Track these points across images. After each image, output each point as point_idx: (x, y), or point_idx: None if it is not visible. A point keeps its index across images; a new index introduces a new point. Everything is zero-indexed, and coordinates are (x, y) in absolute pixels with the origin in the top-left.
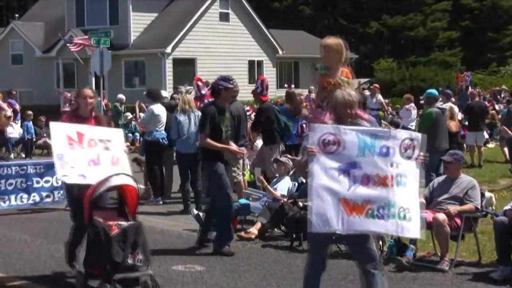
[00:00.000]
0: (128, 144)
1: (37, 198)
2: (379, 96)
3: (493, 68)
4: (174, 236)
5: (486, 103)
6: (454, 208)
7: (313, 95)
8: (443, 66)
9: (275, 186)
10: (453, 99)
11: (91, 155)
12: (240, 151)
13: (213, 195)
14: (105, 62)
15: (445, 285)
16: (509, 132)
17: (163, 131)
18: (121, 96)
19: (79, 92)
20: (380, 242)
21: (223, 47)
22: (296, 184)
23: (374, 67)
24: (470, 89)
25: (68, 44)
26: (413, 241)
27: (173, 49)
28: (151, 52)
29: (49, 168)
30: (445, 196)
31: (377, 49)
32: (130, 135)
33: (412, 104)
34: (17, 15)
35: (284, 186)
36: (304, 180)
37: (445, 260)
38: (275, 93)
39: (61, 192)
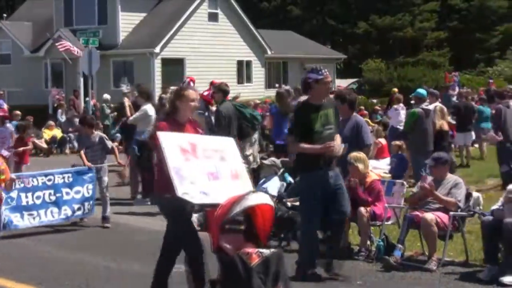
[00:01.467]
0: (117, 144)
1: (69, 212)
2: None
3: (481, 69)
4: (162, 237)
5: (473, 103)
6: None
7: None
8: (431, 67)
9: (264, 186)
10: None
11: (208, 167)
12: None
13: (300, 212)
14: (93, 62)
15: (432, 285)
16: (497, 137)
17: None
18: (106, 96)
19: (180, 93)
20: (369, 242)
21: (211, 47)
22: (285, 184)
23: (363, 68)
24: (457, 89)
25: (56, 44)
26: (401, 240)
27: (161, 49)
28: (140, 52)
29: (78, 177)
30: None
31: (365, 50)
32: (118, 135)
33: (401, 105)
34: (5, 15)
35: (273, 187)
36: (292, 180)
37: (433, 259)
38: (263, 93)
39: (91, 202)
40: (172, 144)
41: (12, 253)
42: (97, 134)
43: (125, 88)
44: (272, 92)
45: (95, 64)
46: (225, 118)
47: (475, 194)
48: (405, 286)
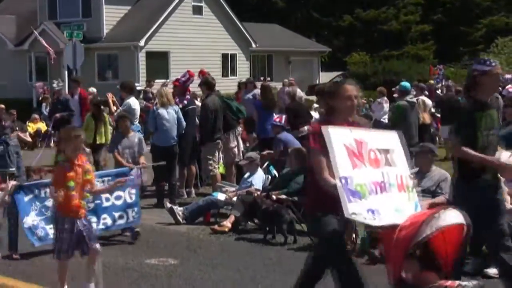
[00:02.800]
0: None
1: (109, 221)
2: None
3: (465, 62)
4: (147, 230)
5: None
6: (425, 203)
7: (287, 89)
8: (416, 60)
9: (249, 180)
10: (426, 92)
11: (376, 175)
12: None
13: None
14: (78, 55)
15: None
16: None
17: (138, 124)
18: (92, 89)
19: (335, 91)
20: (354, 235)
21: (196, 40)
22: (270, 177)
23: (347, 61)
24: (444, 82)
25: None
26: None
27: (146, 42)
28: (124, 45)
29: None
30: (417, 189)
31: (350, 43)
32: None
33: (385, 98)
34: None
35: (258, 180)
36: (276, 173)
37: None
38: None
39: (136, 209)
40: (338, 142)
41: None
42: (135, 134)
43: (56, 85)
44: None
45: (79, 58)
46: (211, 111)
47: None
48: None
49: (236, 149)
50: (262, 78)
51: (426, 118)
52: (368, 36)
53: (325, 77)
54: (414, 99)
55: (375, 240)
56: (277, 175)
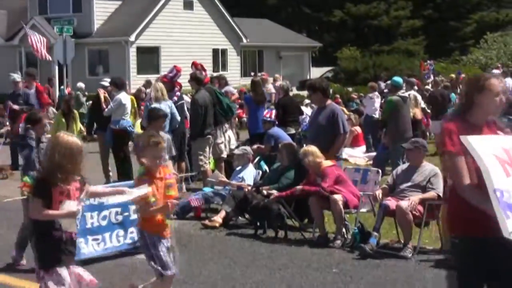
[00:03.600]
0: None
1: (136, 235)
2: (270, 86)
3: (455, 57)
4: None
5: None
6: (416, 198)
7: (278, 83)
8: (407, 55)
9: (240, 175)
10: (416, 87)
11: None
12: None
13: None
14: (68, 50)
15: (408, 272)
16: None
17: (129, 119)
18: (81, 84)
19: (480, 84)
20: (344, 230)
21: (187, 35)
22: (260, 172)
23: (338, 56)
24: (432, 78)
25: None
26: (377, 228)
27: (137, 37)
28: (115, 40)
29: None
30: (408, 184)
31: (341, 38)
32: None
33: (376, 93)
34: None
35: (249, 175)
36: (267, 169)
37: (408, 247)
38: (239, 81)
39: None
40: (487, 152)
41: None
42: (165, 135)
43: (16, 77)
44: (247, 81)
45: (70, 53)
46: (201, 107)
47: (449, 181)
48: (380, 273)
49: (222, 145)
50: (253, 73)
51: (417, 113)
52: (358, 31)
53: (316, 72)
54: (407, 94)
55: (366, 235)
56: (268, 170)
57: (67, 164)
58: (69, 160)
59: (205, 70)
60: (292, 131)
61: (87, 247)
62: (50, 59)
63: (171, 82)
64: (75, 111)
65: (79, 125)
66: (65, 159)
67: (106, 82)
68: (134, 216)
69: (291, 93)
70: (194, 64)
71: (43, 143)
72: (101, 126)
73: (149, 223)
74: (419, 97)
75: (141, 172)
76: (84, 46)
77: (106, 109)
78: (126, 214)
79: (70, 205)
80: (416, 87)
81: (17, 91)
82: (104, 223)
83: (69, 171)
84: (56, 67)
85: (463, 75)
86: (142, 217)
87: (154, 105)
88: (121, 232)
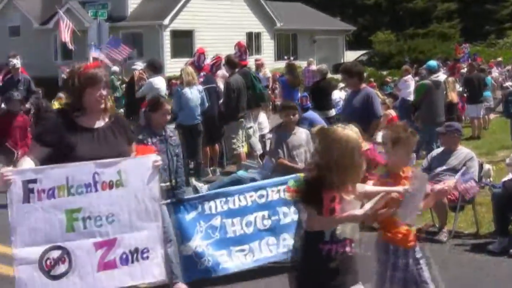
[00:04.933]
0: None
1: (290, 241)
2: (266, 71)
3: (491, 40)
4: None
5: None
6: (451, 182)
7: (312, 67)
8: (442, 38)
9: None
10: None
11: None
12: None
13: None
14: (102, 34)
15: (443, 256)
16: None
17: None
18: (115, 68)
19: None
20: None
21: (221, 19)
22: None
23: (372, 40)
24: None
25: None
26: None
27: (171, 21)
28: (149, 24)
29: None
30: (443, 167)
31: (375, 21)
32: None
33: (410, 76)
34: None
35: None
36: None
37: (443, 231)
38: (273, 65)
39: None
40: None
41: None
42: (301, 129)
43: (16, 62)
44: (281, 64)
45: (104, 37)
46: (234, 91)
47: (486, 166)
48: None
49: (251, 130)
50: (286, 57)
51: (453, 97)
52: (393, 14)
53: (350, 56)
54: (440, 78)
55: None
56: None
57: (347, 163)
58: (348, 159)
59: (246, 53)
60: (332, 113)
61: (232, 260)
62: (70, 47)
63: (198, 67)
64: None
65: None
66: (344, 158)
67: (138, 66)
68: (285, 221)
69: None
70: (238, 45)
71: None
72: (135, 109)
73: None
74: (456, 81)
75: (384, 171)
76: (118, 30)
77: (138, 91)
78: (275, 218)
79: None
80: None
81: (17, 76)
82: (249, 230)
83: (348, 173)
84: (91, 52)
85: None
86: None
87: (185, 89)
88: (272, 240)
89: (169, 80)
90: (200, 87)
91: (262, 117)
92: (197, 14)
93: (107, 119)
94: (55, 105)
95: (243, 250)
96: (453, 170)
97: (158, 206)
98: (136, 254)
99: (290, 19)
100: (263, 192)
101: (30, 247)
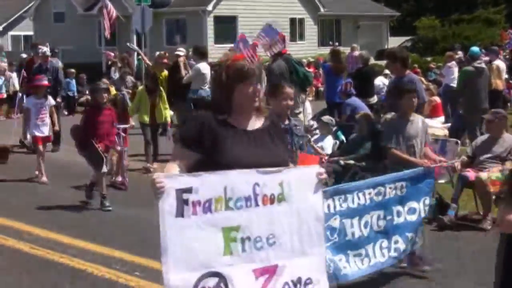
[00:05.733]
0: None
1: (401, 245)
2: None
3: None
4: None
5: None
6: (496, 169)
7: (356, 53)
8: (487, 24)
9: (319, 144)
10: (501, 57)
11: None
12: None
13: None
14: (146, 20)
15: (486, 244)
16: None
17: (207, 89)
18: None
19: None
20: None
21: (264, 5)
22: (338, 142)
23: (417, 25)
24: None
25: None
26: (455, 200)
27: (214, 7)
28: (192, 10)
29: (414, 185)
30: (488, 155)
31: (419, 6)
32: None
33: (454, 62)
34: None
35: (329, 145)
36: (344, 139)
37: (487, 219)
38: (316, 51)
39: (421, 228)
40: None
41: (67, 209)
42: (418, 116)
43: (46, 50)
44: (325, 50)
45: (147, 22)
46: (277, 76)
47: None
48: (459, 245)
49: (301, 115)
50: (330, 43)
51: (499, 84)
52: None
53: (394, 42)
54: (483, 65)
55: (444, 207)
56: (344, 140)
57: None
58: None
59: (285, 41)
60: (374, 100)
61: (350, 266)
62: (108, 36)
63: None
64: (162, 89)
65: (167, 107)
66: None
67: (181, 52)
68: (398, 221)
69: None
70: (280, 35)
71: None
72: (179, 95)
73: None
74: (503, 67)
75: None
76: (162, 16)
77: (185, 77)
78: (389, 218)
79: None
80: (501, 57)
81: (45, 65)
82: (366, 232)
83: None
84: (135, 37)
85: None
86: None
87: None
88: (385, 243)
89: (211, 66)
90: None
91: (306, 103)
92: (240, 0)
93: (261, 121)
94: None
95: (360, 255)
96: (498, 158)
97: (323, 228)
98: (299, 285)
99: (333, 4)
100: (381, 189)
101: (184, 272)
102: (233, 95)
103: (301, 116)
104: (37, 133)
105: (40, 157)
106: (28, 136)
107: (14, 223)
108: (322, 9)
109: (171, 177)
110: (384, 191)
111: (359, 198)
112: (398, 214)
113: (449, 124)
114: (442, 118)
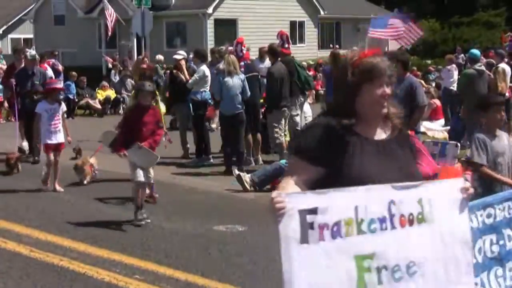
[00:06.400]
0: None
1: None
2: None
3: None
4: (215, 197)
5: None
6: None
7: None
8: (487, 27)
9: None
10: (506, 59)
11: None
12: None
13: None
14: (146, 23)
15: None
16: None
17: (208, 91)
18: (160, 57)
19: None
20: None
21: (264, 8)
22: None
23: None
24: None
25: (106, 10)
26: None
27: (214, 10)
28: (193, 12)
29: None
30: None
31: (420, 9)
32: None
33: (453, 65)
34: None
35: None
36: None
37: None
38: (316, 54)
39: None
40: None
41: (67, 212)
42: (503, 133)
43: (29, 54)
44: (325, 53)
45: (148, 25)
46: (277, 80)
47: None
48: None
49: (298, 118)
50: (330, 46)
51: (503, 87)
52: (438, 2)
53: (394, 45)
54: (483, 67)
55: None
56: None
57: None
58: None
59: (289, 43)
60: None
61: None
62: (109, 34)
63: (237, 57)
64: (157, 92)
65: (162, 107)
66: None
67: (180, 55)
68: (509, 245)
69: None
70: (280, 34)
71: None
72: (181, 98)
73: None
74: (508, 70)
75: None
76: (162, 19)
77: (190, 81)
78: (501, 242)
79: None
80: (506, 59)
81: (31, 69)
82: (480, 259)
83: None
84: (135, 40)
85: None
86: None
87: (227, 79)
88: (500, 271)
89: (212, 52)
90: (242, 76)
91: (306, 106)
92: (240, 2)
93: (388, 130)
94: (99, 93)
95: (475, 284)
96: None
97: (471, 253)
98: None
99: (333, 7)
100: (491, 210)
101: None
102: (360, 96)
103: (298, 118)
104: (49, 141)
105: (49, 166)
106: (24, 143)
107: (14, 226)
108: (322, 12)
109: (293, 196)
110: (494, 213)
111: (471, 221)
112: (509, 238)
113: (449, 127)
114: (442, 121)
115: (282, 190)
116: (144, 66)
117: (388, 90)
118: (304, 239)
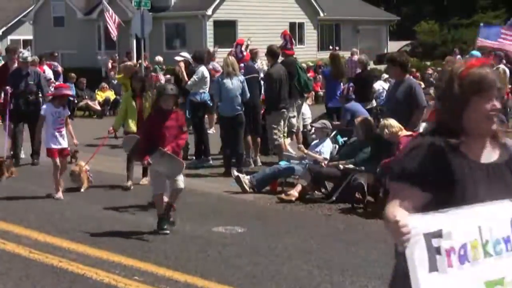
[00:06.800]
0: None
1: None
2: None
3: None
4: (214, 198)
5: None
6: None
7: (355, 57)
8: None
9: (317, 149)
10: (504, 61)
11: None
12: None
13: None
14: (146, 24)
15: None
16: None
17: (207, 92)
18: (159, 58)
19: None
20: None
21: (264, 9)
22: (337, 146)
23: (416, 30)
24: None
25: (106, 12)
26: None
27: (213, 11)
28: (192, 14)
29: None
30: None
31: (419, 11)
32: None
33: None
34: None
35: (327, 149)
36: (343, 141)
37: None
38: (316, 55)
39: None
40: None
41: (66, 213)
42: None
43: (26, 54)
44: (324, 55)
45: (147, 26)
46: (275, 81)
47: None
48: None
49: (294, 119)
50: (330, 47)
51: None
52: (437, 4)
53: (393, 46)
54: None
55: None
56: (344, 144)
57: None
58: None
59: (292, 43)
60: (372, 104)
61: None
62: (115, 39)
63: (237, 58)
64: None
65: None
66: None
67: (180, 57)
68: None
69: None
70: (284, 34)
71: None
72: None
73: None
74: (508, 72)
75: None
76: (161, 20)
77: (189, 82)
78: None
79: None
80: (504, 61)
81: (25, 70)
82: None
83: None
84: (134, 41)
85: None
86: None
87: (226, 80)
88: None
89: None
90: (242, 77)
91: (305, 108)
92: (240, 4)
93: (497, 151)
94: (99, 94)
95: None
96: None
97: None
98: None
99: (333, 9)
100: None
101: None
102: (467, 111)
103: (294, 120)
104: (54, 145)
105: (57, 170)
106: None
107: (13, 227)
108: (321, 14)
109: (416, 218)
110: None
111: None
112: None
113: None
114: None
115: (392, 216)
116: (135, 66)
117: (498, 104)
118: (433, 267)
